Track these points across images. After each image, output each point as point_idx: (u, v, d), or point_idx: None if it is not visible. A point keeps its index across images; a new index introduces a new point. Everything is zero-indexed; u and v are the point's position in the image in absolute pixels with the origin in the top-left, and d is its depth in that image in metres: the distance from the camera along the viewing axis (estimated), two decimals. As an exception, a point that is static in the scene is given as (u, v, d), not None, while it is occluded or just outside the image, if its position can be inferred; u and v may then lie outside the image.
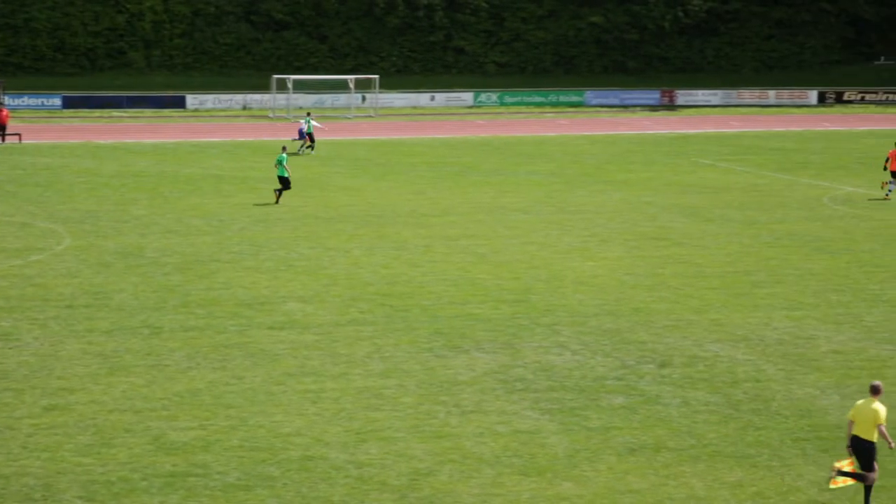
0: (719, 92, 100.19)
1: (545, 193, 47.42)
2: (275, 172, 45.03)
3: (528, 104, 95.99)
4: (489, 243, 36.55)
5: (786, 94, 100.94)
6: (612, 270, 32.76)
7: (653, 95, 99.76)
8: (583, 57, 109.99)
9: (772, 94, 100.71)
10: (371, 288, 30.38)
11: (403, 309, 28.22)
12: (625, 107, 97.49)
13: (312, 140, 60.75)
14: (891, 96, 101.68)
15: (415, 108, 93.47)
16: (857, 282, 31.74)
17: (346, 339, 25.64)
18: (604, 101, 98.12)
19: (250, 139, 68.88)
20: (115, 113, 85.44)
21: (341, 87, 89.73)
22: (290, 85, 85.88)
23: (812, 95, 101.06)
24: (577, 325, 26.89)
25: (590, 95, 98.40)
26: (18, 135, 64.89)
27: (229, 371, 23.26)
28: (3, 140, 63.99)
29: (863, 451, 17.04)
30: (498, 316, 27.67)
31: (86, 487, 17.60)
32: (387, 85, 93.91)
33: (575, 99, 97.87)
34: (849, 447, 17.20)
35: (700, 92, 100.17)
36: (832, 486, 17.23)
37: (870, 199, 46.59)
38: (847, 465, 17.24)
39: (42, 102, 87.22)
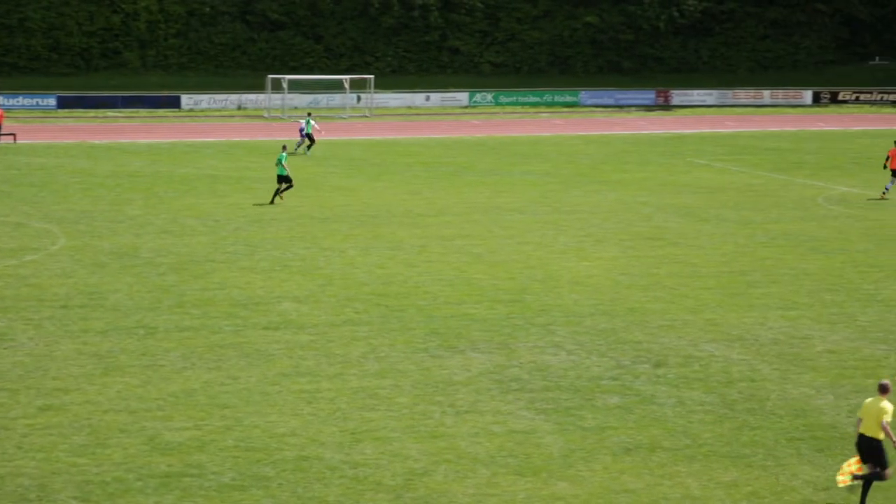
0: (714, 92, 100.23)
1: (540, 193, 47.43)
2: (274, 172, 45.00)
3: (523, 104, 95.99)
4: (484, 243, 36.56)
5: (781, 94, 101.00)
6: (608, 270, 32.78)
7: (648, 95, 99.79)
8: (578, 57, 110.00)
9: (767, 95, 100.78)
10: (366, 288, 30.37)
11: (399, 309, 28.22)
12: (620, 107, 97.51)
13: (311, 140, 60.78)
14: (885, 96, 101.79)
15: (410, 108, 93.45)
16: (852, 282, 31.78)
17: (341, 339, 25.64)
18: (599, 101, 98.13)
19: (245, 139, 68.84)
20: (110, 113, 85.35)
21: (336, 87, 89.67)
22: (285, 85, 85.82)
23: (807, 95, 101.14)
24: (572, 325, 26.90)
25: (585, 95, 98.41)
26: (13, 135, 64.82)
27: (224, 371, 23.25)
28: (-2, 140, 63.92)
29: (870, 449, 17.07)
30: (493, 316, 27.67)
31: (81, 488, 17.58)
32: (382, 85, 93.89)
33: (570, 99, 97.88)
34: (856, 445, 17.23)
35: (695, 92, 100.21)
36: (840, 484, 17.24)
37: (868, 199, 46.61)
38: (854, 463, 17.26)
39: (37, 102, 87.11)
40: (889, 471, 17.17)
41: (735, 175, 53.97)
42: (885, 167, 48.68)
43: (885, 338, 26.22)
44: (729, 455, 19.16)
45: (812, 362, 24.29)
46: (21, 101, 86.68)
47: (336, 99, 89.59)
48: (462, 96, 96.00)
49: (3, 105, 79.02)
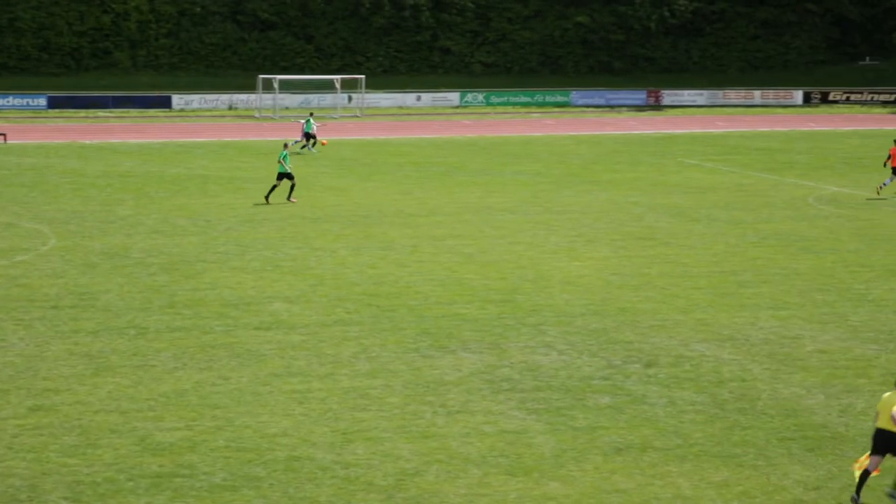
0: (705, 92, 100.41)
1: (531, 193, 47.45)
2: (274, 171, 45.07)
3: (514, 104, 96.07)
4: (476, 243, 36.57)
5: (771, 95, 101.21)
6: (599, 270, 32.80)
7: (639, 96, 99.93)
8: (569, 57, 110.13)
9: (757, 95, 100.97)
10: (358, 288, 30.36)
11: (390, 309, 28.22)
12: (611, 107, 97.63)
13: (313, 139, 60.98)
14: (875, 96, 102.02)
15: (401, 108, 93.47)
16: (843, 281, 31.83)
17: (332, 339, 25.63)
18: (590, 101, 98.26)
19: (236, 139, 68.80)
20: (101, 113, 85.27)
21: (327, 87, 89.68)
22: (276, 85, 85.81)
23: (797, 95, 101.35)
24: (563, 325, 26.91)
25: (576, 95, 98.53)
26: (3, 135, 64.73)
27: (216, 371, 23.23)
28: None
29: (886, 442, 17.10)
30: (484, 316, 27.68)
31: (71, 488, 17.55)
32: (373, 85, 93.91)
33: (561, 99, 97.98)
34: (872, 438, 17.28)
35: (686, 92, 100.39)
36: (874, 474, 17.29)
37: (868, 199, 46.68)
38: (865, 458, 17.28)
39: (27, 102, 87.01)
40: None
41: (725, 175, 54.04)
42: (885, 165, 48.87)
43: (875, 337, 26.27)
44: (720, 455, 19.18)
45: (803, 362, 24.32)
46: (11, 101, 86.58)
47: (327, 99, 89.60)
48: (453, 96, 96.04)
49: (-6, 105, 78.94)
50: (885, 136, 73.16)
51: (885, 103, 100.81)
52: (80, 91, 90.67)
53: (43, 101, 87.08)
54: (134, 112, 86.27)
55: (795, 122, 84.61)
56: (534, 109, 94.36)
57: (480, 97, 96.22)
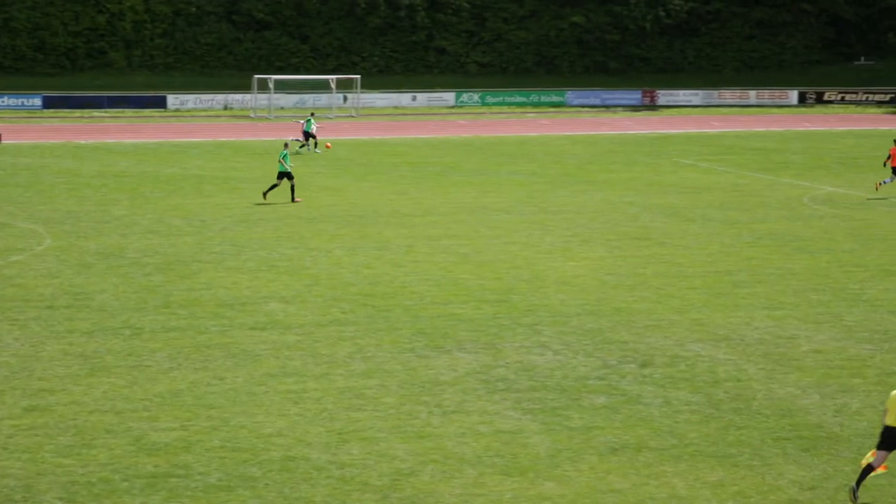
0: (700, 92, 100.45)
1: (527, 193, 47.46)
2: (273, 170, 45.18)
3: (509, 104, 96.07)
4: (471, 243, 36.57)
5: (766, 95, 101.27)
6: (594, 270, 32.81)
7: (634, 96, 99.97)
8: (564, 57, 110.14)
9: (752, 95, 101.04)
10: (353, 288, 30.36)
11: (385, 309, 28.21)
12: (606, 107, 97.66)
13: (307, 139, 61.09)
14: (871, 97, 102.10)
15: (396, 108, 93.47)
16: (838, 281, 31.86)
17: (327, 339, 25.62)
18: (585, 101, 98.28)
19: (232, 139, 68.77)
20: (96, 113, 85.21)
21: (323, 87, 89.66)
22: (271, 85, 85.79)
23: (792, 95, 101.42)
24: (558, 325, 26.91)
25: (571, 95, 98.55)
26: (-2, 135, 64.65)
27: (211, 371, 23.22)
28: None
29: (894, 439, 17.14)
30: (480, 316, 27.68)
31: (66, 489, 17.54)
32: (368, 85, 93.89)
33: (556, 99, 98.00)
34: (881, 434, 17.29)
35: (681, 92, 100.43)
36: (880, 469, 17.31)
37: (869, 199, 46.74)
38: (870, 455, 17.28)
39: (22, 102, 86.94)
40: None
41: (721, 175, 54.08)
42: (885, 165, 48.98)
43: (870, 337, 26.29)
44: (715, 455, 19.19)
45: (798, 362, 24.34)
46: (6, 101, 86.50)
47: (322, 99, 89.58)
48: (449, 96, 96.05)
49: (-11, 105, 78.89)
50: (881, 136, 73.26)
51: (880, 103, 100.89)
52: (76, 91, 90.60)
53: (38, 101, 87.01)
54: (129, 112, 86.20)
55: (791, 122, 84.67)
56: (529, 109, 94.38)
57: (476, 97, 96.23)
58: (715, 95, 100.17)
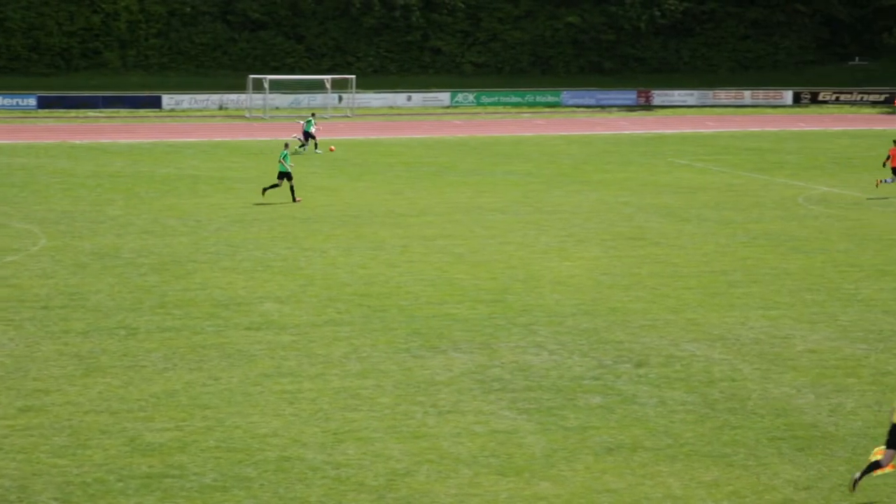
0: (695, 92, 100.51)
1: (522, 193, 47.47)
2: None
3: (504, 104, 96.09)
4: (466, 243, 36.57)
5: (761, 95, 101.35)
6: (589, 270, 32.82)
7: (629, 96, 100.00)
8: (559, 57, 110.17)
9: (747, 95, 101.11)
10: (348, 288, 30.35)
11: (381, 309, 28.21)
12: (601, 107, 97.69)
13: (307, 139, 61.17)
14: (865, 97, 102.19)
15: (391, 108, 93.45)
16: (832, 281, 31.89)
17: (323, 339, 25.61)
18: (580, 101, 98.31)
19: (227, 139, 68.74)
20: (91, 113, 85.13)
21: (318, 87, 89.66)
22: (266, 85, 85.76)
23: (787, 96, 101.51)
24: (554, 325, 26.92)
25: (566, 96, 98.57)
26: (-7, 135, 64.61)
27: (206, 372, 23.21)
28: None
29: None
30: (475, 316, 27.68)
31: (61, 489, 17.53)
32: (363, 85, 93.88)
33: (551, 99, 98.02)
34: (889, 433, 17.29)
35: (676, 92, 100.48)
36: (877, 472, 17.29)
37: (868, 198, 46.81)
38: (876, 454, 17.29)
39: (17, 102, 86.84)
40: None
41: (716, 175, 54.11)
42: (884, 165, 49.06)
43: (865, 337, 26.32)
44: (710, 454, 19.20)
45: (793, 362, 24.36)
46: (1, 101, 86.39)
47: (318, 99, 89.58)
48: (444, 96, 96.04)
49: (-17, 105, 78.82)
50: (875, 137, 73.37)
51: (874, 103, 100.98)
52: (70, 91, 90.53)
53: (33, 102, 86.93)
54: (124, 112, 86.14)
55: (785, 123, 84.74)
56: (524, 109, 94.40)
57: (471, 97, 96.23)
58: (710, 95, 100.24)
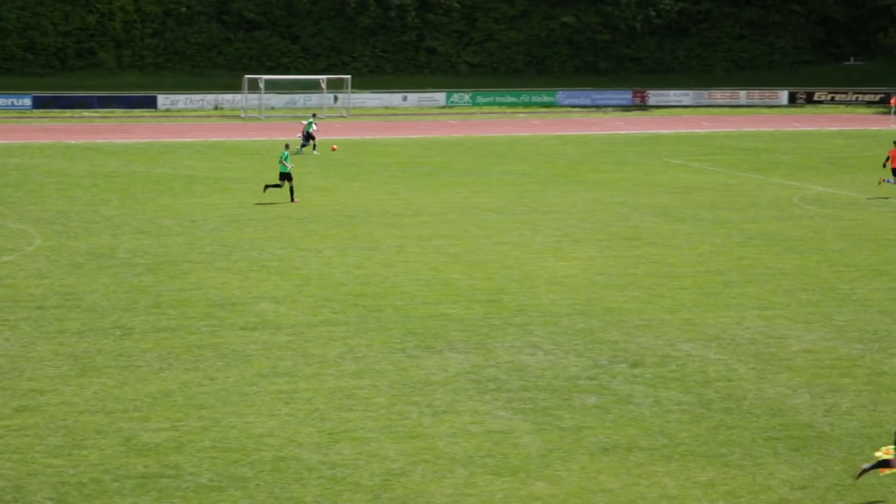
0: (691, 92, 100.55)
1: (518, 193, 47.48)
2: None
3: (500, 104, 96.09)
4: (462, 243, 36.57)
5: (756, 95, 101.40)
6: (585, 270, 32.83)
7: (624, 96, 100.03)
8: (555, 57, 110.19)
9: (743, 95, 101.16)
10: (344, 288, 30.35)
11: (376, 309, 28.21)
12: (597, 107, 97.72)
13: (307, 140, 61.15)
14: (860, 97, 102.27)
15: (387, 108, 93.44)
16: (828, 281, 31.91)
17: (318, 339, 25.61)
18: (576, 101, 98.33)
19: (222, 139, 68.70)
20: (86, 113, 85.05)
21: (313, 87, 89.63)
22: (261, 85, 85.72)
23: (783, 96, 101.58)
24: (549, 325, 26.93)
25: (562, 96, 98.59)
26: (-12, 135, 64.52)
27: (201, 372, 23.19)
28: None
29: None
30: (471, 316, 27.68)
31: (57, 489, 17.51)
32: (359, 85, 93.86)
33: (547, 99, 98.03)
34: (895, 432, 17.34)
35: (671, 92, 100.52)
36: (881, 473, 17.28)
37: (868, 198, 46.86)
38: (884, 453, 17.30)
39: (12, 102, 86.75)
40: None
41: (711, 175, 54.14)
42: (884, 166, 49.14)
43: (860, 337, 26.35)
44: (706, 454, 19.22)
45: (788, 362, 24.38)
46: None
47: (313, 99, 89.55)
48: (439, 96, 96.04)
49: (-22, 105, 78.73)
50: (871, 137, 73.46)
51: (869, 103, 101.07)
52: (65, 91, 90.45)
53: (28, 101, 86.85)
54: (119, 112, 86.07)
55: (780, 123, 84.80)
56: (520, 109, 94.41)
57: (466, 97, 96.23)
58: (705, 95, 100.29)
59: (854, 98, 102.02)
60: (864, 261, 34.69)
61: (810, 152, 64.60)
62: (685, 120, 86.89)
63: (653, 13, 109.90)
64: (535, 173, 54.19)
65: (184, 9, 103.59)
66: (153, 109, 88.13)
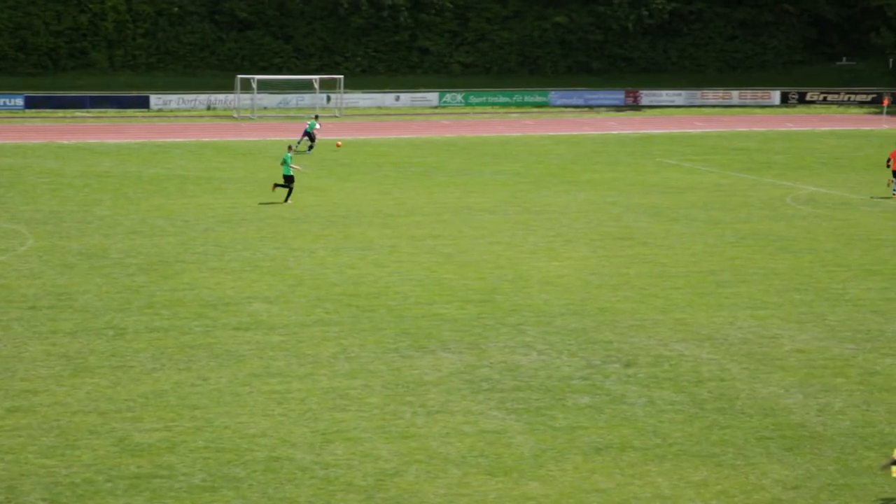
0: (683, 92, 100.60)
1: (510, 193, 47.48)
2: (280, 171, 45.15)
3: (493, 104, 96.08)
4: (455, 243, 36.58)
5: (749, 95, 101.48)
6: (578, 270, 32.85)
7: (617, 96, 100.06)
8: (547, 57, 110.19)
9: (735, 95, 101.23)
10: (337, 288, 30.34)
11: (369, 309, 28.20)
12: (589, 107, 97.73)
13: (312, 140, 61.18)
14: (852, 97, 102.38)
15: (380, 108, 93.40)
16: (820, 281, 31.96)
17: (311, 339, 25.60)
18: (568, 101, 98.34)
19: (215, 139, 68.63)
20: (78, 113, 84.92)
21: (306, 87, 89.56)
22: (254, 85, 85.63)
23: (775, 96, 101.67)
24: (542, 325, 26.94)
25: (554, 96, 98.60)
26: (-20, 135, 64.38)
27: (194, 372, 23.18)
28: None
29: None
30: (464, 316, 27.69)
31: (50, 489, 17.50)
32: (352, 85, 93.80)
33: (540, 99, 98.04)
34: None
35: (664, 92, 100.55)
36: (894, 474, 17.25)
37: (871, 197, 46.96)
38: None
39: (4, 103, 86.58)
40: None
41: (704, 175, 54.19)
42: (887, 166, 49.24)
43: (853, 337, 26.39)
44: (699, 454, 19.24)
45: (781, 361, 24.42)
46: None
47: (306, 99, 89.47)
48: (432, 96, 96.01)
49: (-30, 105, 78.56)
50: (863, 137, 73.59)
51: (861, 104, 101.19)
52: (58, 91, 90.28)
53: (20, 101, 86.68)
54: (112, 112, 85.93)
55: (773, 123, 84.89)
56: (512, 110, 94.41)
57: (459, 97, 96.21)
58: (698, 95, 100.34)
59: (846, 98, 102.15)
60: (856, 261, 34.75)
61: (803, 152, 64.68)
62: (678, 120, 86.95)
63: (645, 13, 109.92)
64: (528, 173, 54.20)
65: (176, 9, 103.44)
66: (146, 109, 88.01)
